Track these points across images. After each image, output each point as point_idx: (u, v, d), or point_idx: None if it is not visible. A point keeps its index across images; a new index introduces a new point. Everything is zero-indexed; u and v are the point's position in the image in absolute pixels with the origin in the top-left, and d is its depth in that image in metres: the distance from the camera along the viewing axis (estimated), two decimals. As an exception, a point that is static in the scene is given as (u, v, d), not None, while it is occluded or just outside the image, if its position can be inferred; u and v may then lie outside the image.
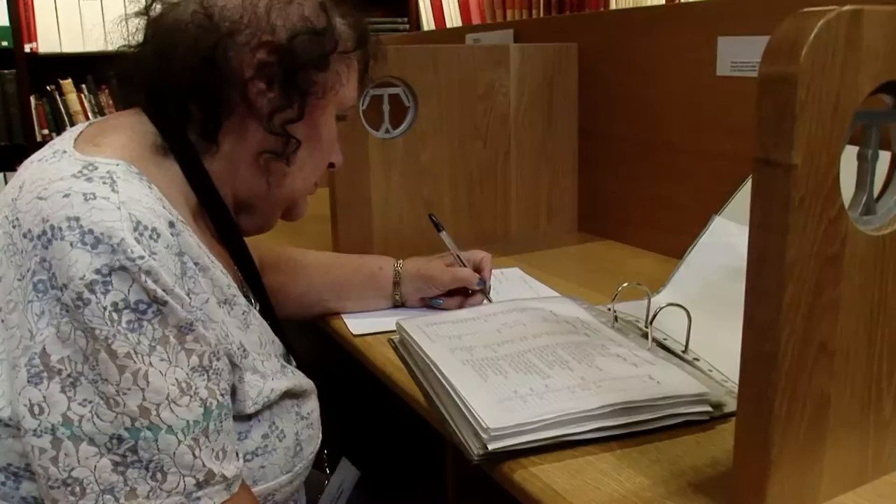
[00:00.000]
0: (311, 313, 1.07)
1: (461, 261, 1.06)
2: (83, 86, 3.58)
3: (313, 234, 1.35)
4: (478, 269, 1.06)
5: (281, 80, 0.76)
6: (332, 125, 0.85)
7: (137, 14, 0.79)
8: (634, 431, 0.71)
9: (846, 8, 0.49)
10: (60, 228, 0.61)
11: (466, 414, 0.71)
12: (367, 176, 1.30)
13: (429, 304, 1.05)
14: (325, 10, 0.79)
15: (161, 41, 0.76)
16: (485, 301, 1.05)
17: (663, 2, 3.17)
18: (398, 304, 1.06)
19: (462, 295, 1.06)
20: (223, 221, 0.79)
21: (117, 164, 0.67)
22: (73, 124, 3.59)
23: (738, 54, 1.14)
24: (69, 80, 3.53)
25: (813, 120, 0.49)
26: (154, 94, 0.76)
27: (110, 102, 3.55)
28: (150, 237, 0.63)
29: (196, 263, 0.69)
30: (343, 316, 1.05)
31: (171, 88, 0.75)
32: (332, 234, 1.35)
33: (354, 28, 0.83)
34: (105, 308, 0.60)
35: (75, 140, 0.71)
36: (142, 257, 0.61)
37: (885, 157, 0.59)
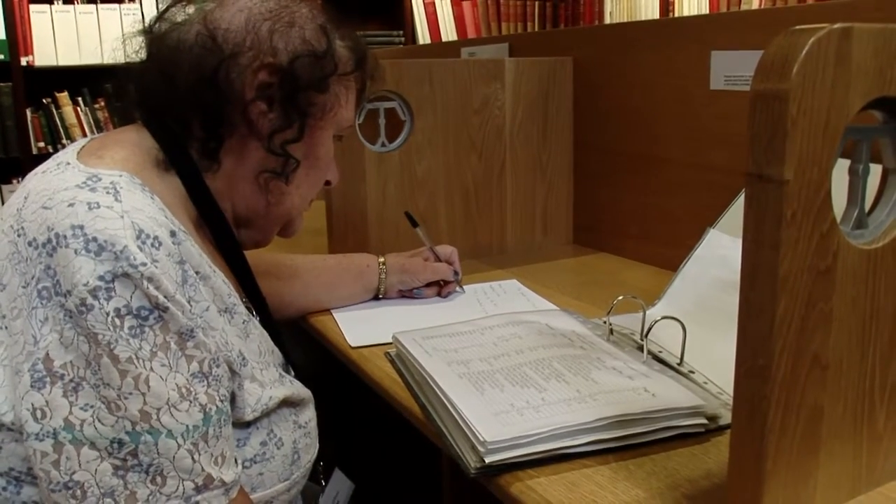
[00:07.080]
0: (305, 312, 1.13)
1: (436, 254, 1.19)
2: (79, 98, 3.58)
3: (310, 247, 1.36)
4: (448, 262, 1.19)
5: (281, 101, 0.78)
6: (330, 145, 0.87)
7: (141, 32, 0.80)
8: (630, 444, 0.71)
9: (836, 25, 0.49)
10: (65, 236, 0.62)
11: (463, 427, 0.71)
12: (364, 189, 1.31)
13: (408, 294, 1.17)
14: (325, 33, 0.81)
15: (164, 60, 0.77)
16: (458, 289, 1.20)
17: (658, 16, 3.19)
18: (378, 296, 1.17)
19: (437, 285, 1.18)
20: (223, 234, 0.80)
21: (120, 175, 0.68)
22: (69, 137, 3.59)
23: (732, 68, 1.15)
24: (65, 93, 3.53)
25: (804, 136, 0.50)
26: (155, 111, 0.78)
27: (106, 115, 3.55)
28: (153, 245, 0.64)
29: (197, 272, 0.70)
30: (341, 327, 1.06)
31: (173, 107, 0.76)
32: (328, 247, 1.35)
33: (353, 50, 0.85)
34: (108, 314, 0.61)
35: (79, 153, 0.72)
36: (144, 264, 0.62)
37: (876, 170, 0.59)
